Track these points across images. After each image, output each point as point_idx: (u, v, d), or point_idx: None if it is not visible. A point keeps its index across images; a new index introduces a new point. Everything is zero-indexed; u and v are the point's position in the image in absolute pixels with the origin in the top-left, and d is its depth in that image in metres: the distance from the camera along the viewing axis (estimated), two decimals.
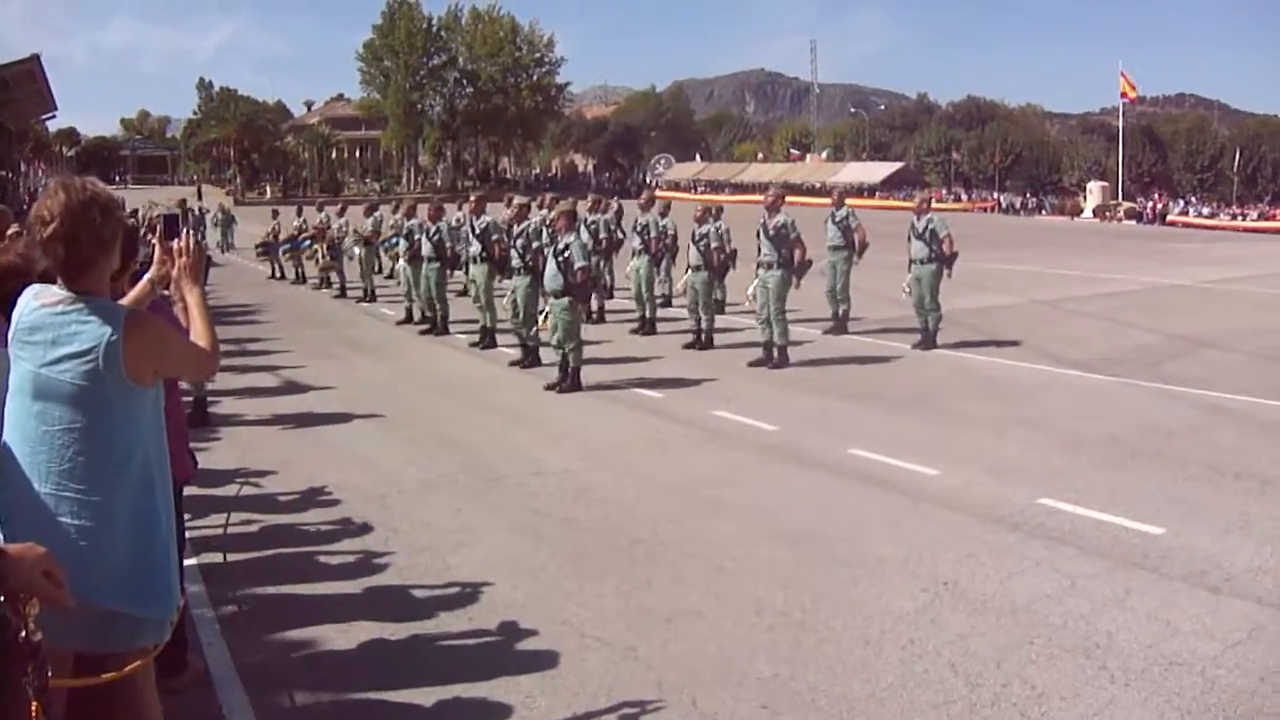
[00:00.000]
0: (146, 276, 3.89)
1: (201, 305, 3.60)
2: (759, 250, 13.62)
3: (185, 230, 3.84)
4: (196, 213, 36.22)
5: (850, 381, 12.95)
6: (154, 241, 3.83)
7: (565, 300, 12.07)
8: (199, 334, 3.53)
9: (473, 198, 16.89)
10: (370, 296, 22.15)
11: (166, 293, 4.07)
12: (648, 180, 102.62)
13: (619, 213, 20.68)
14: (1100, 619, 5.81)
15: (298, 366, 14.26)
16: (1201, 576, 6.46)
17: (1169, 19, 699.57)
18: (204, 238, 34.80)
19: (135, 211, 24.55)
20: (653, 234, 17.61)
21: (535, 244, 13.35)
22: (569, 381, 12.25)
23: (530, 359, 13.77)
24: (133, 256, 4.52)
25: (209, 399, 11.20)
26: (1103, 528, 7.39)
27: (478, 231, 15.24)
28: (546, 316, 12.51)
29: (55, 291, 3.22)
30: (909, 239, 15.36)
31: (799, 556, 6.91)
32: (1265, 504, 7.99)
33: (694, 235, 15.56)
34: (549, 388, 12.32)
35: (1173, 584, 6.35)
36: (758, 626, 5.78)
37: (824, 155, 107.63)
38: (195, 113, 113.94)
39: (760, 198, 14.78)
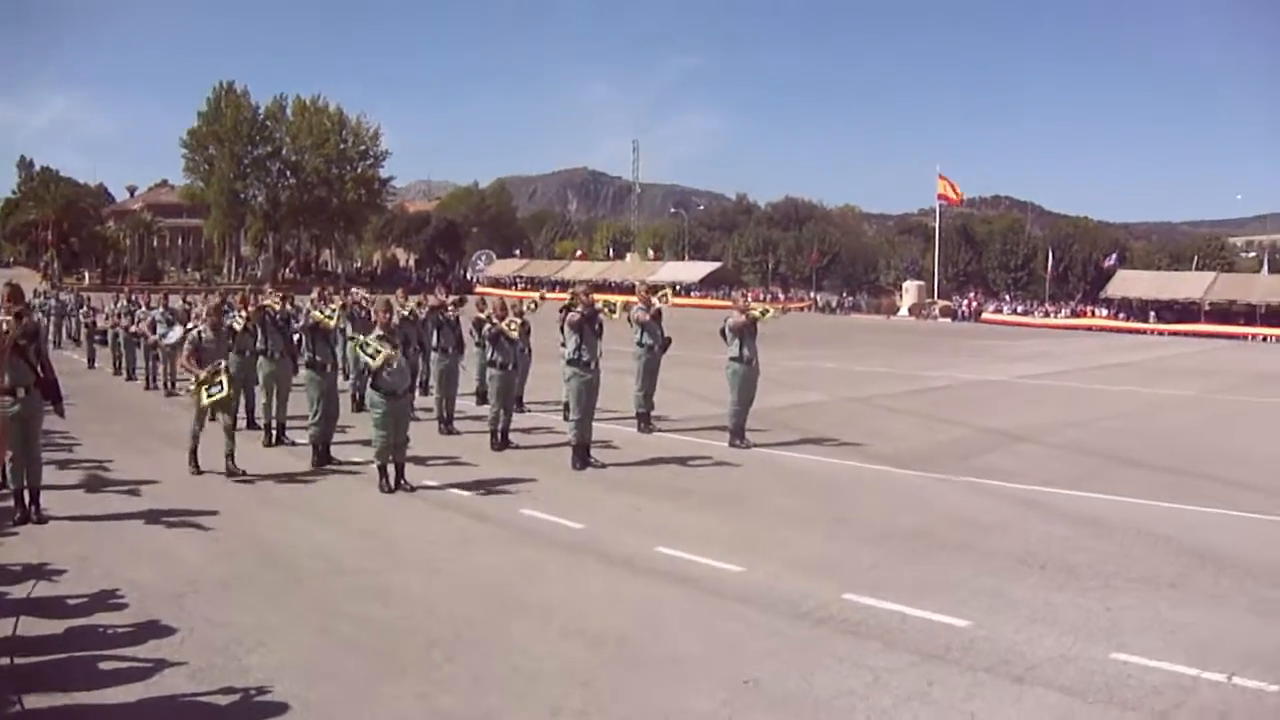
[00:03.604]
0: None
1: None
2: (563, 347, 13.54)
3: None
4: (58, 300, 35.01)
5: (660, 479, 12.79)
6: None
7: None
8: None
9: (271, 291, 16.54)
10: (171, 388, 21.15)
11: None
12: (469, 276, 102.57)
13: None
14: (902, 713, 5.74)
15: (105, 460, 13.40)
16: (1005, 666, 6.47)
17: (985, 123, 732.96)
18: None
19: None
20: (456, 333, 17.26)
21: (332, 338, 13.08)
22: (383, 480, 11.87)
23: (323, 458, 13.36)
24: None
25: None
26: (908, 621, 7.37)
27: (279, 323, 14.96)
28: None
29: None
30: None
31: (599, 656, 6.70)
32: (1069, 593, 8.13)
33: (486, 334, 15.36)
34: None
35: (977, 675, 6.33)
36: None
37: (648, 253, 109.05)
38: (14, 192, 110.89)
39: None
